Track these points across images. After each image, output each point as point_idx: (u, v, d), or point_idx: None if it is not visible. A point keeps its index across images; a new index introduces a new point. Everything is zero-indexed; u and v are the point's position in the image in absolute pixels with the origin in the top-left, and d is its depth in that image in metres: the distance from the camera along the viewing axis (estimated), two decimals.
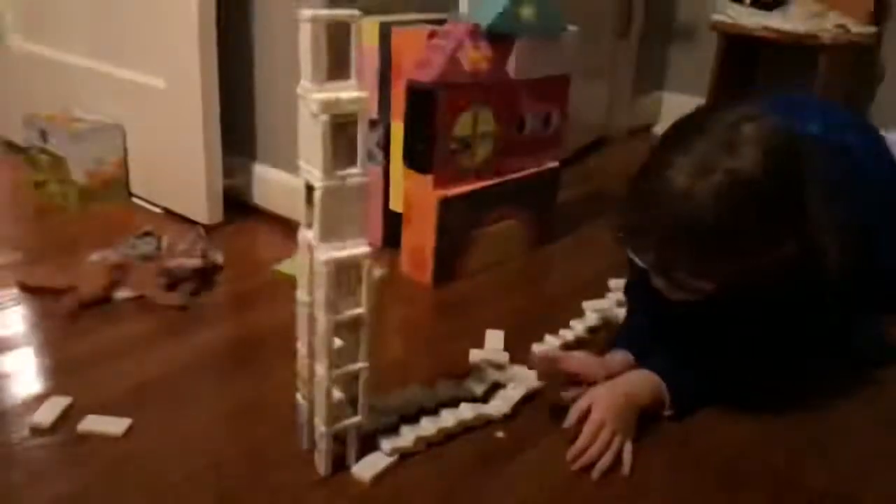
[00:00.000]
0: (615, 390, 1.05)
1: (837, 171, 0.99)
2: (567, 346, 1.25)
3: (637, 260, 0.99)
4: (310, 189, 0.85)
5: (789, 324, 1.05)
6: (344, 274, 0.87)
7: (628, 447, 1.01)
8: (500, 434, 1.04)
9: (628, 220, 0.98)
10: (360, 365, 0.92)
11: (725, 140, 0.91)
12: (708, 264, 0.95)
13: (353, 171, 0.84)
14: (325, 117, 0.79)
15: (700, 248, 0.92)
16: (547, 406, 1.10)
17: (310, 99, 0.80)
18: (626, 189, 0.99)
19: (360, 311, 0.89)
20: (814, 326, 1.07)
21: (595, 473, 0.98)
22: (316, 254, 0.86)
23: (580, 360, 1.13)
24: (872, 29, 2.25)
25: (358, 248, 0.86)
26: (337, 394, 0.92)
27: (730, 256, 0.93)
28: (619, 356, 1.14)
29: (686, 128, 0.98)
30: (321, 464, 0.94)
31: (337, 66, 0.82)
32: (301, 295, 0.92)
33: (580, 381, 1.10)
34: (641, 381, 1.07)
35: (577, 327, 1.30)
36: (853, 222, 0.97)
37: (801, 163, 0.94)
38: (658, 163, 0.95)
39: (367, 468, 0.95)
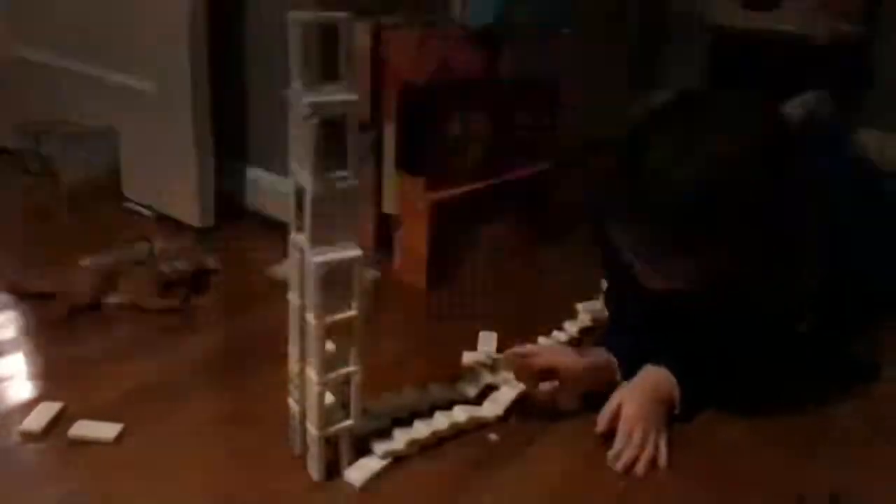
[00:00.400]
0: (643, 386, 1.06)
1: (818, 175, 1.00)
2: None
3: (616, 238, 0.97)
4: (300, 192, 0.85)
5: (768, 324, 1.05)
6: (335, 277, 0.86)
7: (664, 441, 1.02)
8: (493, 436, 1.04)
9: (610, 193, 0.97)
10: (351, 368, 0.91)
11: (719, 120, 0.91)
12: (686, 245, 0.92)
13: (345, 174, 0.84)
14: (315, 120, 0.79)
15: (680, 227, 0.90)
16: (540, 407, 1.10)
17: (300, 102, 0.80)
18: (610, 165, 0.98)
19: (351, 314, 0.89)
20: (792, 328, 1.07)
21: (640, 469, 0.98)
22: (307, 257, 0.85)
23: (551, 354, 1.11)
24: (864, 29, 2.26)
25: (349, 252, 0.86)
26: (329, 398, 0.92)
27: (708, 239, 0.91)
28: (597, 349, 1.13)
29: (679, 106, 0.97)
30: (314, 468, 0.94)
31: (327, 68, 0.82)
32: (293, 298, 0.91)
33: (555, 375, 1.08)
34: (659, 378, 1.07)
35: (571, 329, 1.30)
36: (827, 224, 0.97)
37: (789, 154, 0.93)
38: (645, 138, 0.94)
39: (359, 472, 0.94)
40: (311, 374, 0.89)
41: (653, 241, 0.93)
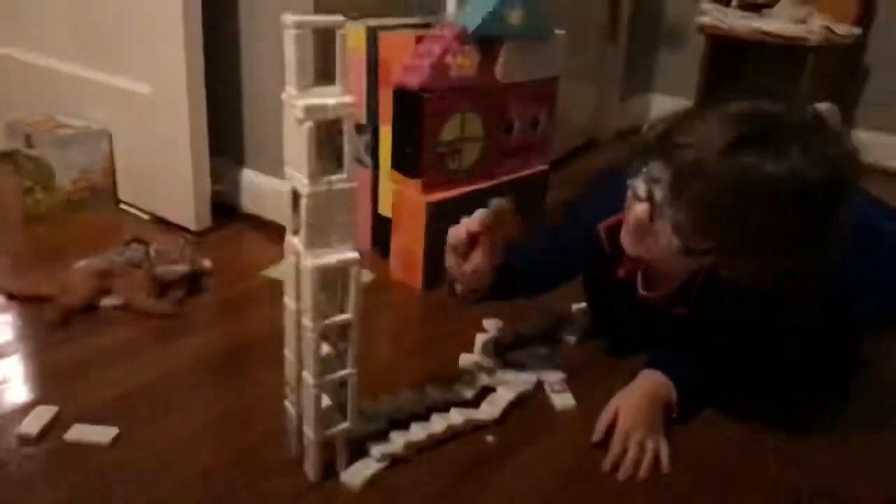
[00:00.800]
0: (640, 392, 1.06)
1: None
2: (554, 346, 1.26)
3: (648, 170, 0.94)
4: (296, 195, 0.85)
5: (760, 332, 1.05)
6: (331, 280, 0.86)
7: (664, 446, 1.01)
8: (490, 438, 1.04)
9: (679, 129, 0.93)
10: (348, 371, 0.91)
11: (805, 126, 0.89)
12: (715, 218, 0.89)
13: (340, 176, 0.84)
14: (309, 123, 0.79)
15: (722, 202, 0.87)
16: (537, 409, 1.10)
17: (295, 105, 0.80)
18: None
19: (347, 317, 0.88)
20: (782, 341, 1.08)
21: (642, 474, 0.98)
22: (303, 260, 0.85)
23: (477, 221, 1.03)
24: (857, 30, 2.26)
25: (345, 254, 0.86)
26: (325, 400, 0.92)
27: (741, 227, 0.88)
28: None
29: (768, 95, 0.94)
30: (311, 470, 0.94)
31: (322, 71, 0.82)
32: (288, 301, 0.91)
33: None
34: (656, 382, 1.07)
35: (567, 331, 1.31)
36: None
37: (849, 191, 0.91)
38: (734, 103, 0.91)
39: (356, 475, 0.94)
40: (308, 376, 0.89)
41: (689, 188, 0.89)
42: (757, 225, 0.87)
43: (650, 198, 0.94)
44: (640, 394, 1.06)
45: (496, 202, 1.01)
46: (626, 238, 1.01)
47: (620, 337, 1.22)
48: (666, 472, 1.00)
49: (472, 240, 1.03)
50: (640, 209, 0.96)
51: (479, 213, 1.01)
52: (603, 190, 1.16)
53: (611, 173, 1.19)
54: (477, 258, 1.04)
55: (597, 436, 1.02)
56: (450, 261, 1.05)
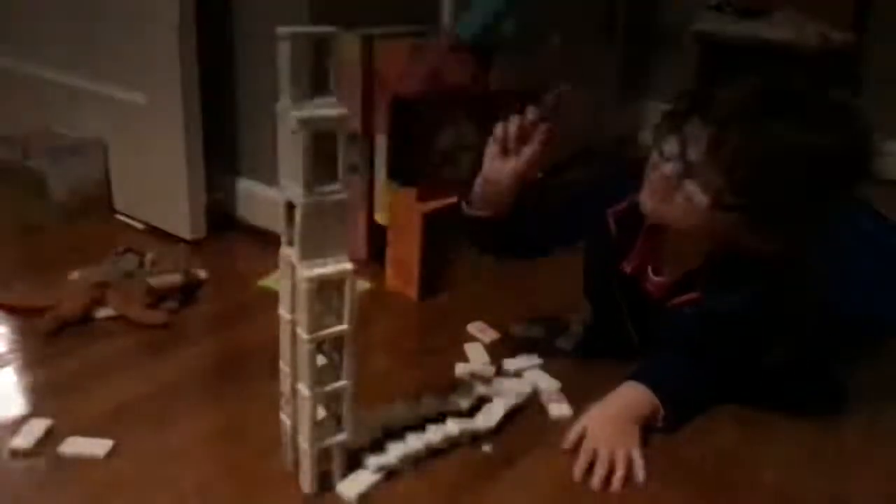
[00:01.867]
0: (607, 411, 1.05)
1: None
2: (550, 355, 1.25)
3: (685, 128, 0.96)
4: (290, 206, 0.84)
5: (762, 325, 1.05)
6: (326, 291, 0.86)
7: (637, 456, 1.00)
8: (486, 448, 1.03)
9: (720, 91, 0.97)
10: (343, 383, 0.91)
11: (831, 102, 0.97)
12: (752, 172, 0.91)
13: (334, 187, 0.84)
14: (304, 135, 0.79)
15: (762, 157, 0.90)
16: (533, 419, 1.10)
17: (289, 116, 0.80)
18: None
19: (343, 328, 0.88)
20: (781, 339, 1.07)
21: (616, 486, 0.97)
22: (297, 272, 0.85)
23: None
24: (853, 37, 2.27)
25: (340, 265, 0.86)
26: (321, 412, 0.91)
27: (774, 185, 0.91)
28: None
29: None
30: (306, 482, 0.93)
31: (316, 83, 0.82)
32: (283, 312, 0.91)
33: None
34: (634, 395, 1.07)
35: (563, 341, 1.30)
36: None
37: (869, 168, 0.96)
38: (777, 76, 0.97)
39: (352, 486, 0.94)
40: (303, 388, 0.89)
41: (724, 142, 0.92)
42: (790, 185, 0.90)
43: (682, 156, 0.94)
44: (608, 409, 1.05)
45: (558, 89, 0.99)
46: (647, 197, 1.00)
47: (615, 334, 1.20)
48: (657, 479, 0.99)
49: (521, 138, 1.01)
50: (668, 168, 0.96)
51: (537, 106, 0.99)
52: (614, 176, 1.16)
53: (619, 163, 1.20)
54: (528, 152, 1.01)
55: (566, 446, 1.02)
56: (489, 154, 1.03)
